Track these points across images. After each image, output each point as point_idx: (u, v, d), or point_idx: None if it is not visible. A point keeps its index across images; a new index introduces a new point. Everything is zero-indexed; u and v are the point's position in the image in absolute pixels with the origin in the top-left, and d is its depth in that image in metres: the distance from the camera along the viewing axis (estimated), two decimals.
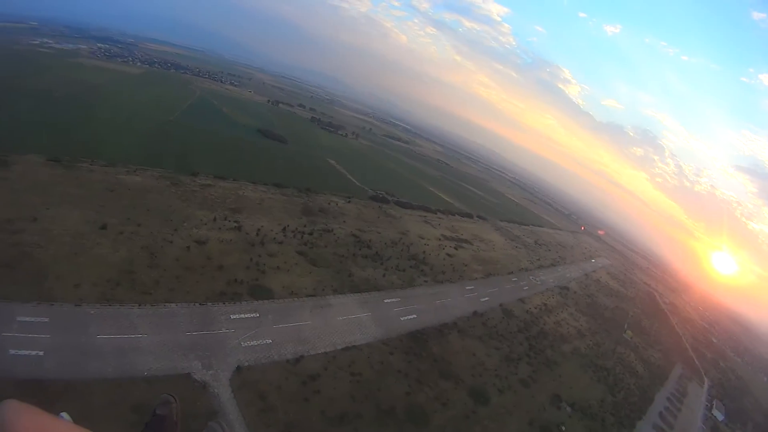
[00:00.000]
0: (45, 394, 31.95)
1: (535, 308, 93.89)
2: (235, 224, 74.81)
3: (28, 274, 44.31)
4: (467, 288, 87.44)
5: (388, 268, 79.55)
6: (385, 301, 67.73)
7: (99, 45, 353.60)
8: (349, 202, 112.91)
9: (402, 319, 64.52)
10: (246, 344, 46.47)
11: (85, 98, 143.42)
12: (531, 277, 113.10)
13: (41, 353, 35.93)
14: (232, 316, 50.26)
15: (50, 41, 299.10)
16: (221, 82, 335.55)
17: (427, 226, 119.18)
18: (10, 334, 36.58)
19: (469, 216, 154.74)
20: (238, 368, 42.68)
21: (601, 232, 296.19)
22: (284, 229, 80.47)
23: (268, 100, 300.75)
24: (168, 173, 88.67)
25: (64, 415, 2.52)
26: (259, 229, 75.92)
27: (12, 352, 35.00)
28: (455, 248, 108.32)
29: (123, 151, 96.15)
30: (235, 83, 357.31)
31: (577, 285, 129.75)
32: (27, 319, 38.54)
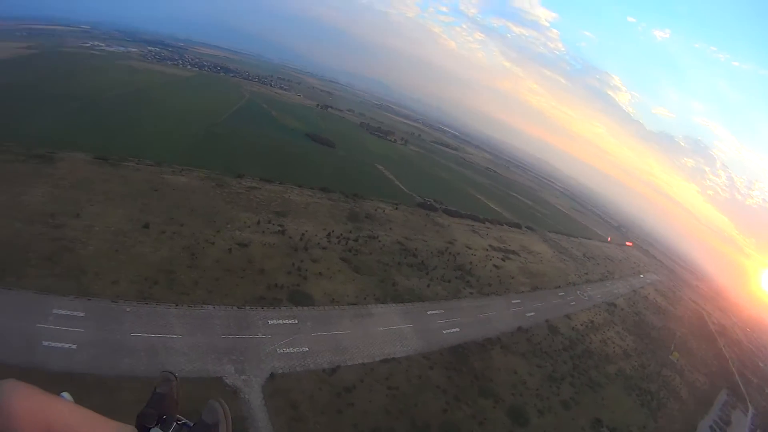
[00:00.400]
0: (74, 387, 32.97)
1: (582, 325, 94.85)
2: (279, 228, 76.71)
3: (68, 268, 47.16)
4: (513, 302, 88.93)
5: (433, 278, 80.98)
6: (428, 312, 68.84)
7: (150, 48, 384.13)
8: (396, 208, 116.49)
9: (444, 332, 65.36)
10: (282, 351, 47.57)
11: (134, 99, 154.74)
12: (579, 292, 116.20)
13: (74, 347, 37.81)
14: (270, 322, 51.09)
15: (101, 44, 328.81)
16: (270, 85, 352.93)
17: (475, 236, 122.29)
18: (45, 326, 38.75)
19: (518, 226, 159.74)
20: (272, 375, 43.55)
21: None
22: (329, 234, 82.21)
23: (317, 105, 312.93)
24: (214, 175, 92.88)
25: (66, 395, 2.65)
26: (303, 234, 77.55)
27: (45, 343, 37.07)
28: (503, 259, 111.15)
29: (170, 151, 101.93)
30: (285, 87, 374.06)
31: (625, 302, 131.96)
32: (63, 312, 40.89)
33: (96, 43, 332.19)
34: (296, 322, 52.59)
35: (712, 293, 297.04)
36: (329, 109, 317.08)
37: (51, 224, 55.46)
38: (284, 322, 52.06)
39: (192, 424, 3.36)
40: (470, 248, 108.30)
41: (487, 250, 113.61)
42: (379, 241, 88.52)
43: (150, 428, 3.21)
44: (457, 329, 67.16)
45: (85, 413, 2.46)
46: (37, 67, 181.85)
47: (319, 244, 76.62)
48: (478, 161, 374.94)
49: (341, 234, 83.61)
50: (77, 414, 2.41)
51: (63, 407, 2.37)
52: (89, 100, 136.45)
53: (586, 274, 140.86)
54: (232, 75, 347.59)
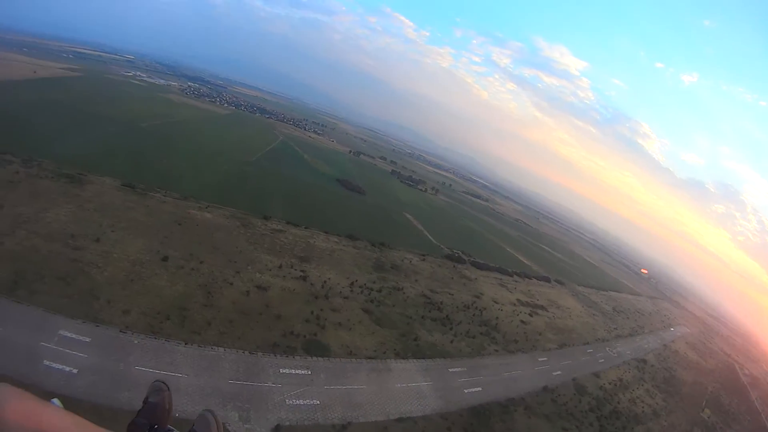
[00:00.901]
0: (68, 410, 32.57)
1: (610, 384, 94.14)
2: (301, 273, 77.74)
3: (81, 291, 49.04)
4: (540, 359, 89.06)
5: (457, 333, 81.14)
6: (450, 370, 68.44)
7: (190, 84, 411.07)
8: (423, 259, 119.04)
9: (466, 391, 64.54)
10: (291, 402, 46.89)
11: (169, 131, 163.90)
12: (608, 349, 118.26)
13: (75, 371, 38.63)
14: (282, 370, 50.70)
15: (143, 75, 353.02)
16: (305, 129, 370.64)
17: (503, 290, 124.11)
18: (49, 345, 40.02)
19: (547, 280, 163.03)
20: (278, 427, 42.93)
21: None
22: (352, 283, 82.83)
23: (350, 151, 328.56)
24: (240, 214, 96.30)
25: (56, 401, 2.90)
26: (325, 282, 78.34)
27: (46, 363, 38.15)
28: (530, 315, 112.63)
29: (199, 186, 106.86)
30: (319, 131, 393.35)
31: (655, 357, 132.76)
32: (69, 334, 42.16)
33: (138, 73, 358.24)
34: (309, 372, 52.37)
35: (744, 342, 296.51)
36: (362, 155, 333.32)
37: (70, 245, 58.24)
38: (297, 372, 51.60)
39: None
40: (497, 303, 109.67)
41: (514, 304, 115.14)
42: (404, 293, 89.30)
43: None
44: (480, 388, 66.46)
45: (75, 419, 2.64)
46: (78, 89, 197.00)
47: (341, 293, 77.19)
48: (508, 212, 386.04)
49: (365, 284, 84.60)
50: (67, 420, 2.59)
51: (54, 413, 2.54)
52: (126, 127, 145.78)
53: (616, 329, 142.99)
54: (267, 116, 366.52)
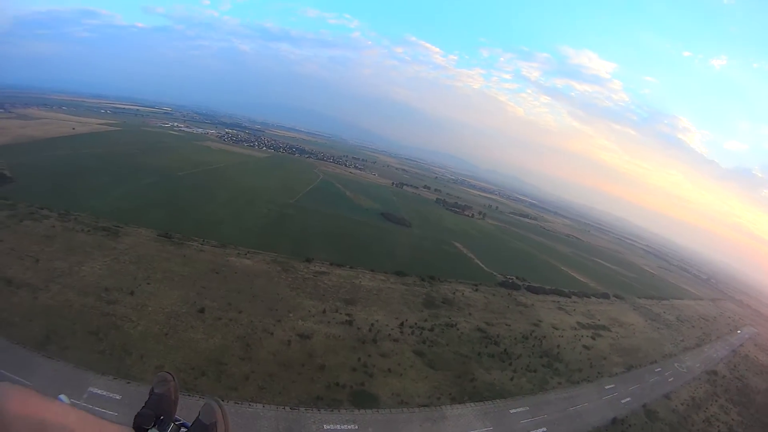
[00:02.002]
0: None
1: (682, 405, 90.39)
2: (347, 317, 75.49)
3: (113, 346, 49.23)
4: (606, 387, 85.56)
5: (517, 368, 77.77)
6: (511, 411, 64.97)
7: (227, 130, 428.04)
8: (476, 290, 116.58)
9: None
10: None
11: (207, 179, 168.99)
12: (676, 364, 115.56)
13: None
14: (326, 426, 47.96)
15: (181, 125, 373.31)
16: (345, 165, 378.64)
17: (562, 314, 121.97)
18: (78, 403, 38.53)
19: (606, 296, 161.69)
20: None
21: None
22: (402, 324, 79.83)
23: (393, 183, 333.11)
24: (281, 258, 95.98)
25: (63, 397, 2.90)
26: (372, 324, 75.58)
27: None
28: (592, 338, 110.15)
29: (238, 232, 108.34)
30: (359, 166, 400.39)
31: (725, 366, 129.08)
32: (99, 391, 41.90)
33: (176, 123, 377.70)
34: (356, 427, 49.27)
35: None
36: (405, 186, 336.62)
37: (104, 298, 59.31)
38: (343, 427, 48.61)
39: (189, 425, 3.69)
40: (557, 329, 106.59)
41: (575, 328, 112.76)
42: (458, 329, 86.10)
43: (147, 429, 3.51)
44: (544, 429, 62.88)
45: (82, 415, 2.67)
46: (116, 143, 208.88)
47: (390, 335, 74.22)
48: (559, 228, 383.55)
49: (415, 323, 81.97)
50: (73, 415, 2.61)
51: (59, 409, 2.57)
52: (163, 176, 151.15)
53: (682, 340, 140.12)
54: (306, 156, 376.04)
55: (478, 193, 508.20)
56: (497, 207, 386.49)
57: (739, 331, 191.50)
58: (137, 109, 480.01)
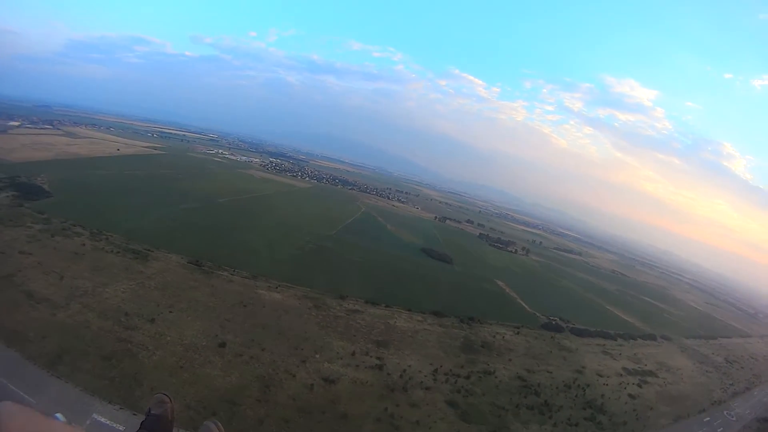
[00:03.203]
0: None
1: None
2: (377, 361, 71.83)
3: (124, 374, 48.05)
4: None
5: (557, 422, 73.17)
6: None
7: (271, 159, 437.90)
8: (517, 333, 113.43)
9: None
10: None
11: (247, 207, 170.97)
12: (725, 412, 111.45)
13: None
14: None
15: (225, 152, 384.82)
16: (388, 198, 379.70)
17: (607, 358, 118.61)
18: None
19: (653, 338, 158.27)
20: None
21: None
22: (436, 370, 75.52)
23: (435, 217, 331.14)
24: (314, 293, 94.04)
25: (59, 416, 3.18)
26: (404, 370, 71.62)
27: None
28: (639, 385, 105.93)
29: (271, 263, 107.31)
30: (403, 200, 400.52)
31: None
32: (103, 420, 40.92)
33: (221, 150, 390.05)
34: None
35: None
36: (447, 221, 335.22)
37: (123, 323, 58.71)
38: None
39: None
40: (601, 376, 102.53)
41: (620, 375, 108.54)
42: (496, 376, 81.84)
43: None
44: None
45: None
46: (159, 166, 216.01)
47: (422, 383, 69.93)
48: (603, 264, 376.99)
49: (450, 370, 77.79)
50: None
51: (59, 428, 2.78)
52: (203, 202, 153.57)
53: (732, 385, 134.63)
54: (350, 187, 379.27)
55: (522, 227, 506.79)
56: (541, 242, 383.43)
57: None
58: (183, 135, 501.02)
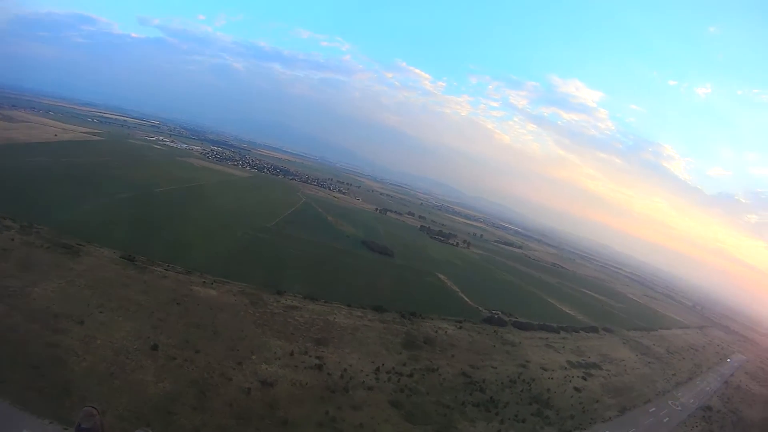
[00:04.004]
0: None
1: None
2: (317, 361, 70.16)
3: (53, 384, 44.65)
4: None
5: (504, 419, 72.44)
6: None
7: (213, 147, 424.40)
8: (460, 328, 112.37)
9: None
10: None
11: (185, 197, 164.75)
12: (670, 402, 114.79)
13: None
14: None
15: (166, 139, 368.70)
16: (329, 189, 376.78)
17: (551, 352, 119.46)
18: None
19: (595, 330, 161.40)
20: None
21: None
22: (378, 369, 74.38)
23: (376, 209, 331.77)
24: (250, 288, 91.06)
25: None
26: (345, 370, 70.24)
27: None
28: (583, 378, 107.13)
29: (207, 257, 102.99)
30: (344, 191, 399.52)
31: (719, 400, 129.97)
32: None
33: (161, 137, 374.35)
34: None
35: None
36: (388, 212, 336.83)
37: (51, 326, 54.58)
38: None
39: None
40: (546, 369, 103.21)
41: (565, 368, 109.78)
42: (440, 374, 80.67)
43: None
44: None
45: None
46: (96, 153, 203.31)
47: (364, 382, 68.55)
48: (544, 257, 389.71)
49: (393, 368, 76.28)
50: None
51: None
52: (139, 192, 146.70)
53: (674, 375, 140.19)
54: (291, 177, 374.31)
55: (464, 220, 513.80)
56: (482, 235, 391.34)
57: (728, 360, 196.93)
58: (124, 120, 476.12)
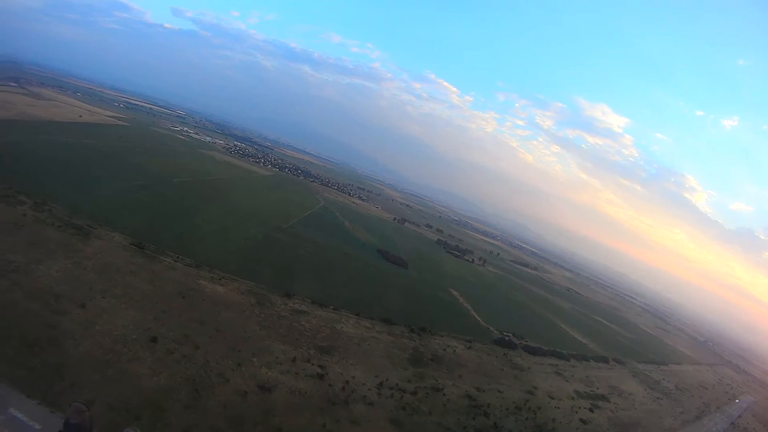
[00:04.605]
0: None
1: None
2: (319, 370, 68.25)
3: (46, 365, 44.13)
4: None
5: None
6: None
7: (236, 143, 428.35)
8: (469, 347, 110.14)
9: None
10: None
11: (203, 190, 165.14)
12: None
13: None
14: None
15: (190, 131, 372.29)
16: (349, 194, 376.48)
17: (559, 380, 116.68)
18: None
19: (605, 360, 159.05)
20: None
21: None
22: (381, 383, 72.03)
23: (395, 218, 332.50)
24: (258, 288, 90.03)
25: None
26: (347, 381, 68.08)
27: None
28: (590, 410, 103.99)
29: (218, 252, 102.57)
30: (363, 197, 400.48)
31: None
32: (19, 415, 37.23)
33: (186, 128, 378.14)
34: None
35: None
36: (406, 223, 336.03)
37: (51, 307, 54.24)
38: None
39: None
40: (553, 398, 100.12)
41: (572, 398, 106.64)
42: (444, 394, 78.11)
43: None
44: None
45: None
46: (119, 138, 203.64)
47: (365, 396, 66.23)
48: (559, 281, 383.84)
49: (397, 384, 73.87)
50: None
51: None
52: (156, 180, 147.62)
53: (682, 413, 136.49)
54: (311, 179, 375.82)
55: (481, 237, 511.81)
56: (498, 253, 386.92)
57: (737, 401, 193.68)
58: (150, 108, 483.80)
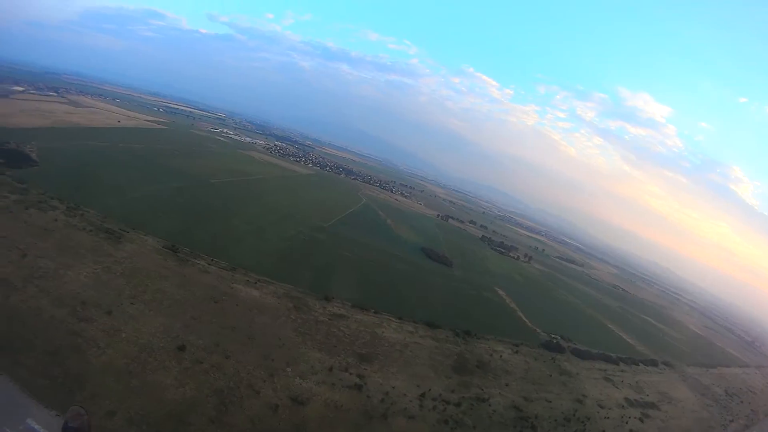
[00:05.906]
0: None
1: None
2: (358, 380, 65.22)
3: (67, 374, 43.71)
4: None
5: None
6: None
7: (277, 143, 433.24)
8: (516, 351, 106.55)
9: None
10: None
11: (241, 190, 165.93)
12: None
13: None
14: None
15: (230, 132, 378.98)
16: (391, 191, 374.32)
17: (608, 386, 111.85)
18: None
19: (654, 363, 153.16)
20: None
21: None
22: (423, 394, 68.46)
23: (438, 215, 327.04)
24: (296, 292, 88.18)
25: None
26: (387, 393, 64.71)
27: None
28: (641, 420, 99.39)
29: (255, 254, 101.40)
30: (406, 194, 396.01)
31: None
32: (36, 427, 36.84)
33: (225, 130, 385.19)
34: None
35: None
36: (450, 219, 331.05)
37: (77, 314, 54.01)
38: None
39: None
40: (603, 407, 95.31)
41: (622, 406, 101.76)
42: (490, 404, 74.32)
43: None
44: None
45: None
46: (157, 141, 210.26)
47: (406, 409, 62.69)
48: (605, 277, 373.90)
49: (440, 394, 70.52)
50: None
51: None
52: (194, 182, 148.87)
53: (732, 420, 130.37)
54: (353, 177, 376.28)
55: (525, 232, 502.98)
56: (543, 249, 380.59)
57: None
58: (190, 112, 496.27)
